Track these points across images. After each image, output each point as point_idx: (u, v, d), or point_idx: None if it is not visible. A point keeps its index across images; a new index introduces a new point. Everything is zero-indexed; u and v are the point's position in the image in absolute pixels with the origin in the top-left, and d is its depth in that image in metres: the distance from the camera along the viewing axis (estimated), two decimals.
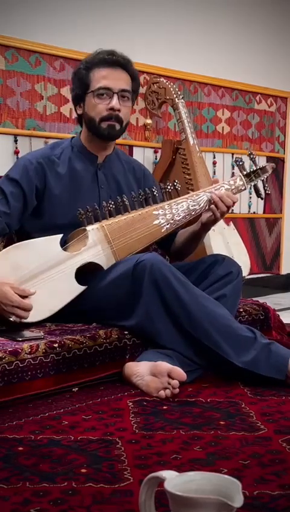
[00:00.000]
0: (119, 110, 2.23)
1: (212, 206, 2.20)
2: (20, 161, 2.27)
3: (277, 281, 4.44)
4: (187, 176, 3.19)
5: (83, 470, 1.34)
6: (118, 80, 2.23)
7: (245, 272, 3.10)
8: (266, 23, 4.19)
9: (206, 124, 3.85)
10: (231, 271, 2.22)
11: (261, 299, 2.77)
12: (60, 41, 3.04)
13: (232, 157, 4.02)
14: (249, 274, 3.48)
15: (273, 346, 2.01)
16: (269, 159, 4.29)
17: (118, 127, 2.25)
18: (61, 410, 1.75)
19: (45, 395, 1.85)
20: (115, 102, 2.21)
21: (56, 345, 1.90)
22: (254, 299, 2.73)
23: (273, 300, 3.82)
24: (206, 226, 2.29)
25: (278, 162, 4.37)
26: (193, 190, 3.12)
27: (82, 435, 1.56)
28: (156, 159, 3.51)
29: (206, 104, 3.83)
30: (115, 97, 2.21)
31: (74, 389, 1.93)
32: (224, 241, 3.21)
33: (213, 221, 2.25)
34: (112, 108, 2.21)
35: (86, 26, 3.16)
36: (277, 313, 2.63)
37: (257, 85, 4.13)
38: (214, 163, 3.88)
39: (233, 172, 4.00)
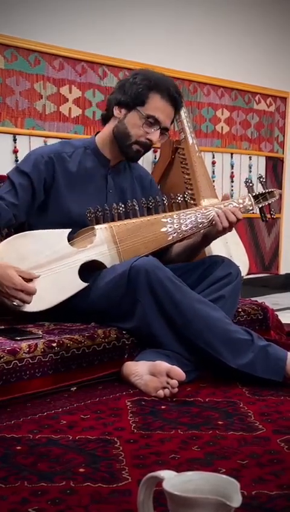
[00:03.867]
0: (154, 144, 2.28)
1: (217, 218, 2.22)
2: (31, 155, 2.26)
3: (275, 280, 4.44)
4: (186, 176, 3.19)
5: (81, 470, 1.34)
6: (168, 117, 2.25)
7: (244, 271, 3.11)
8: (265, 22, 4.19)
9: (206, 123, 3.85)
10: (230, 272, 2.22)
11: (259, 299, 2.77)
12: (60, 40, 3.04)
13: (231, 157, 4.02)
14: (247, 274, 3.48)
15: (270, 348, 2.01)
16: (268, 159, 4.30)
17: (142, 154, 2.29)
18: (60, 410, 1.75)
19: (43, 395, 1.85)
20: (156, 137, 2.23)
21: (55, 345, 1.90)
22: (253, 299, 2.73)
23: (272, 300, 3.82)
24: (208, 239, 2.31)
25: (277, 162, 4.38)
26: (191, 190, 3.13)
27: (80, 434, 1.56)
28: (155, 158, 3.51)
29: (206, 103, 3.83)
30: (158, 132, 2.23)
31: (72, 389, 1.93)
32: (223, 241, 3.21)
33: (215, 235, 2.27)
34: (150, 140, 2.23)
35: (85, 26, 3.16)
36: (276, 312, 2.63)
37: (257, 85, 4.13)
38: (213, 163, 3.89)
39: (232, 172, 4.00)
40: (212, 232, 2.27)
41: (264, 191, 2.38)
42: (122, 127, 2.24)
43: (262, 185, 2.41)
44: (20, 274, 2.01)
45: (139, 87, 2.20)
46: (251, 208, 2.34)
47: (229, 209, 2.23)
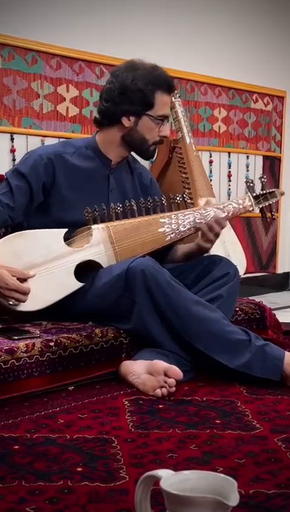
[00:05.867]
0: None
1: (205, 232, 2.20)
2: (31, 156, 2.24)
3: (273, 280, 4.44)
4: (184, 175, 3.19)
5: (79, 469, 1.34)
6: (169, 106, 2.34)
7: (241, 271, 3.11)
8: (263, 22, 4.19)
9: (203, 122, 3.85)
10: (228, 272, 2.21)
11: (257, 298, 2.77)
12: (57, 39, 3.04)
13: (229, 156, 4.02)
14: (245, 273, 3.48)
15: (267, 347, 2.01)
16: (265, 158, 4.30)
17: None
18: (57, 409, 1.74)
19: (40, 394, 1.85)
20: (169, 130, 2.30)
21: (52, 344, 1.90)
22: (250, 298, 2.73)
23: (269, 300, 3.82)
24: (202, 250, 2.28)
25: (274, 161, 4.38)
26: (189, 189, 3.13)
27: (78, 433, 1.56)
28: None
29: (203, 103, 3.83)
30: (168, 125, 2.28)
31: (69, 388, 1.93)
32: (220, 240, 3.21)
33: (209, 242, 2.23)
34: (165, 136, 2.28)
35: (83, 25, 3.16)
36: (273, 312, 2.63)
37: (254, 84, 4.13)
38: (211, 162, 3.89)
39: (229, 171, 4.00)
40: (205, 246, 2.24)
41: (265, 192, 2.36)
42: (136, 134, 2.23)
43: (263, 185, 2.39)
44: (13, 274, 2.00)
45: (145, 93, 2.19)
46: (251, 209, 2.33)
47: (210, 222, 2.19)
